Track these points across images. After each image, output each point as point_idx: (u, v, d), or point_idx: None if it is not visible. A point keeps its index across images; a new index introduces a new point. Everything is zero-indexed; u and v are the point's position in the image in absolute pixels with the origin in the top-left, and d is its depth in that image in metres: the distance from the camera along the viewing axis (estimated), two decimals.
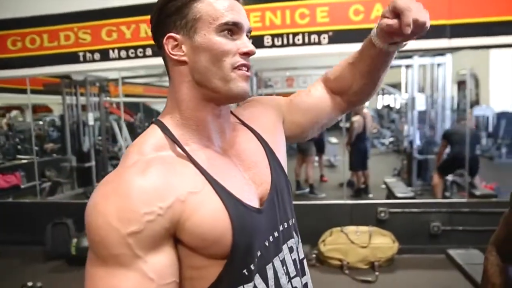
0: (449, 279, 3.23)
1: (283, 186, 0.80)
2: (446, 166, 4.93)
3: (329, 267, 3.48)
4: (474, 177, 4.76)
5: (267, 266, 0.70)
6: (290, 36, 3.52)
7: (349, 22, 3.40)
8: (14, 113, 9.09)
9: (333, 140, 8.78)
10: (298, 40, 3.51)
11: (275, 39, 3.56)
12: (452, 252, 3.56)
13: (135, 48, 3.81)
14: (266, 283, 0.70)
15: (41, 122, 8.93)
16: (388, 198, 4.90)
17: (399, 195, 4.53)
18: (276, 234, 0.74)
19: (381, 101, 13.23)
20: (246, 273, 0.67)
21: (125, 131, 6.18)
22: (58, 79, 6.01)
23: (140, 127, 9.10)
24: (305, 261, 0.82)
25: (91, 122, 5.92)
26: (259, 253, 0.69)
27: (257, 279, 0.69)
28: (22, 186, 5.46)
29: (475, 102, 9.33)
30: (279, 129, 0.88)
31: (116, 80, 5.91)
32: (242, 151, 0.76)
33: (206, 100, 0.71)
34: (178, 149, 0.68)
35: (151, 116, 10.20)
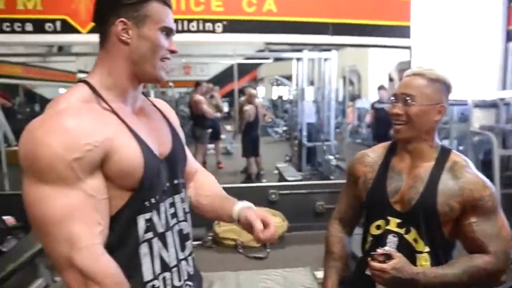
0: None
1: (181, 155, 1.05)
2: None
3: (225, 248, 3.64)
4: None
5: (160, 204, 0.93)
6: (185, 23, 3.52)
7: (242, 13, 3.53)
8: None
9: (228, 127, 8.92)
10: (193, 27, 3.53)
11: None
12: None
13: (11, 21, 3.36)
14: (159, 217, 0.93)
15: None
16: (280, 181, 5.23)
17: (289, 178, 4.87)
18: (169, 184, 0.98)
19: (275, 92, 13.71)
20: (147, 205, 0.90)
21: (1, 116, 5.48)
22: None
23: (20, 112, 8.14)
24: (189, 215, 1.06)
25: None
26: (158, 193, 0.92)
27: (154, 214, 0.91)
28: None
29: (358, 96, 10.32)
30: (180, 131, 1.11)
31: None
32: (149, 118, 0.99)
33: (134, 75, 0.92)
34: (103, 104, 0.87)
35: (33, 101, 9.18)
